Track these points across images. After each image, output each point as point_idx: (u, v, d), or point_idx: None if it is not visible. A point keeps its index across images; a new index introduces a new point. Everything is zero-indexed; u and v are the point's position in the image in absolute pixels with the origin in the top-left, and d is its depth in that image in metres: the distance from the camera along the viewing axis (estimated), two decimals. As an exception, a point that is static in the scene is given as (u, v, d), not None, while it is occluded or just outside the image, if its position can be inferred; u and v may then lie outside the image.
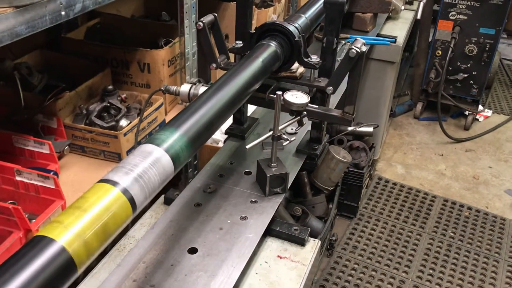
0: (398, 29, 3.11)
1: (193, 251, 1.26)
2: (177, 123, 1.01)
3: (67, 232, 0.72)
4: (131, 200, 0.83)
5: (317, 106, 1.51)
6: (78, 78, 1.77)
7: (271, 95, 1.46)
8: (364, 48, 1.40)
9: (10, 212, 1.22)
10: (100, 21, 2.08)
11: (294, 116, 1.50)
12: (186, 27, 1.78)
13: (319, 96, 1.58)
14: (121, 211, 0.81)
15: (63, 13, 1.20)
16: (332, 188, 2.76)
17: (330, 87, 1.48)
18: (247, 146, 1.41)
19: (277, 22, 1.48)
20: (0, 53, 1.74)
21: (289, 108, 1.47)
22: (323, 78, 1.54)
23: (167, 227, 1.33)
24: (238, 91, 1.23)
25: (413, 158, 3.74)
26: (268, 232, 1.44)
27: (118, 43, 1.98)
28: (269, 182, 1.45)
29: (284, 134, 1.43)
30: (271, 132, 1.43)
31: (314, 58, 1.49)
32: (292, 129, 1.77)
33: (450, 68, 3.92)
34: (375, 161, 3.55)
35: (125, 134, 1.61)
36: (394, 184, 3.42)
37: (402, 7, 3.23)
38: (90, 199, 0.79)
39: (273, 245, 1.42)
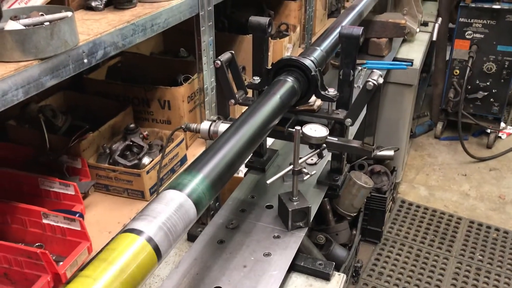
0: (414, 52, 3.12)
1: (218, 290, 1.26)
2: (198, 166, 1.03)
3: (94, 286, 0.73)
4: (156, 249, 0.84)
5: (336, 138, 1.51)
6: (101, 118, 1.81)
7: (290, 129, 1.46)
8: (381, 80, 1.41)
9: (38, 257, 1.24)
10: (121, 60, 2.14)
11: (313, 149, 1.50)
12: (204, 63, 1.82)
13: (338, 128, 1.58)
14: (147, 260, 0.82)
15: (85, 60, 1.24)
16: (355, 214, 2.75)
17: (349, 119, 1.49)
18: (268, 181, 1.42)
19: (293, 57, 1.50)
20: (26, 97, 1.79)
21: (308, 141, 1.48)
22: (341, 110, 1.55)
23: (191, 266, 1.34)
24: (258, 129, 1.24)
25: (435, 179, 3.69)
26: (292, 268, 1.44)
27: (139, 80, 2.03)
28: (291, 217, 1.45)
29: (304, 168, 1.44)
30: (291, 166, 1.43)
31: (331, 91, 1.50)
32: (312, 160, 1.77)
33: (469, 87, 3.89)
34: (397, 184, 3.52)
35: (147, 172, 1.63)
36: (418, 206, 3.38)
37: (417, 30, 3.23)
38: (115, 250, 0.80)
39: (297, 281, 1.41)
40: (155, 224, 0.86)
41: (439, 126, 4.17)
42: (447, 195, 3.51)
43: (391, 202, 3.26)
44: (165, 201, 0.92)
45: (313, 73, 1.47)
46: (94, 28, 1.33)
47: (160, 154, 1.63)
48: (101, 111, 1.87)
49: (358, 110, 1.47)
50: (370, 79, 1.39)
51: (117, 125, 1.80)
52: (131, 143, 1.70)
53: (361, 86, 1.44)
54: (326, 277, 1.41)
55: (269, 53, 2.50)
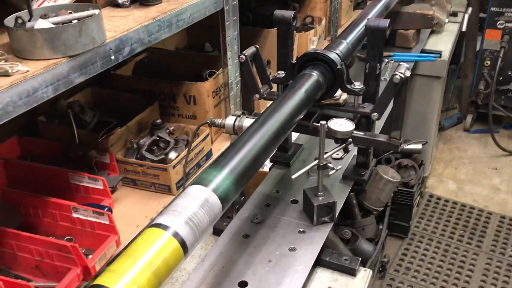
0: (442, 43, 3.04)
1: (243, 284, 1.27)
2: (224, 161, 1.03)
3: (121, 280, 0.75)
4: (183, 244, 0.85)
5: (362, 133, 1.49)
6: (128, 113, 1.84)
7: (315, 124, 1.45)
8: (408, 73, 1.38)
9: (68, 250, 1.27)
10: (147, 56, 2.16)
11: (339, 144, 1.49)
12: (229, 58, 1.82)
13: (364, 122, 1.56)
14: (173, 255, 0.83)
15: (113, 57, 1.26)
16: (381, 208, 2.72)
17: (375, 113, 1.47)
18: (293, 176, 1.41)
19: (318, 51, 1.49)
20: (55, 93, 1.83)
21: (334, 136, 1.47)
22: (367, 104, 1.53)
23: (217, 260, 1.35)
24: (283, 123, 1.23)
25: (465, 173, 3.62)
26: (318, 263, 1.43)
27: (164, 75, 2.05)
28: (316, 212, 1.44)
29: (330, 163, 1.43)
30: (316, 161, 1.43)
31: (357, 85, 1.48)
32: (337, 154, 1.75)
33: (501, 78, 3.78)
34: (425, 178, 3.46)
35: (174, 167, 1.65)
36: (446, 201, 3.32)
37: (446, 20, 3.16)
38: (142, 245, 0.82)
39: (323, 276, 1.41)
40: (181, 219, 0.87)
41: (469, 118, 4.08)
42: (476, 189, 3.44)
43: (418, 197, 3.21)
44: (190, 196, 0.93)
45: (338, 66, 1.46)
46: (120, 25, 1.34)
47: (186, 149, 1.64)
48: (128, 107, 1.89)
49: (384, 104, 1.45)
50: (397, 72, 1.37)
51: (144, 121, 1.83)
52: (157, 138, 1.72)
53: (388, 79, 1.42)
54: (352, 273, 1.40)
55: (294, 47, 2.48)
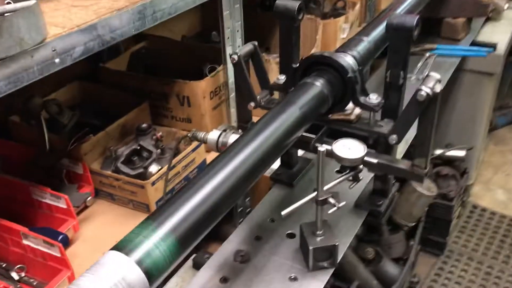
0: (499, 33, 2.61)
1: None
2: (163, 214, 0.77)
3: None
4: None
5: (376, 160, 1.18)
6: (115, 113, 1.61)
7: (316, 144, 1.16)
8: (438, 88, 1.06)
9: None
10: (145, 45, 1.91)
11: (346, 172, 1.19)
12: (229, 54, 1.54)
13: (383, 142, 1.24)
14: None
15: (57, 60, 1.02)
16: (413, 224, 2.39)
17: (394, 136, 1.15)
18: (283, 213, 1.13)
19: (325, 54, 1.18)
20: (33, 86, 1.62)
21: (339, 163, 1.17)
22: (387, 121, 1.22)
23: (184, 311, 1.10)
24: (264, 153, 0.95)
25: (517, 181, 3.19)
26: (313, 317, 1.16)
27: (163, 69, 1.80)
28: (312, 256, 1.16)
29: (331, 197, 1.13)
30: (314, 194, 1.14)
31: (374, 98, 1.17)
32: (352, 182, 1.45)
33: None
34: (470, 185, 3.06)
35: (153, 183, 1.41)
36: (493, 213, 2.92)
37: (505, 6, 2.71)
38: None
39: (317, 336, 1.14)
40: (76, 311, 0.62)
41: (527, 117, 3.61)
42: (530, 201, 3.02)
43: (459, 208, 2.84)
44: (100, 272, 0.68)
45: (349, 74, 1.15)
46: (75, 19, 1.09)
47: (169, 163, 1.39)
48: (116, 106, 1.66)
49: (406, 125, 1.13)
50: (422, 88, 1.05)
51: (129, 123, 1.59)
52: (138, 147, 1.48)
53: (420, 81, 1.10)
54: (353, 336, 1.12)
55: (318, 37, 2.16)
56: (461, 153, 2.58)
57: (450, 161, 2.61)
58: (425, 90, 1.04)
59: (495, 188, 3.14)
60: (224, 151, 0.94)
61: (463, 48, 2.26)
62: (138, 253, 0.70)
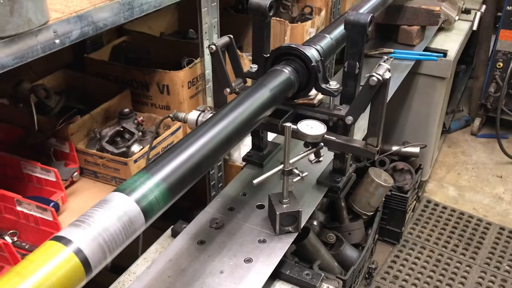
0: (450, 42, 2.87)
1: (188, 297, 1.17)
2: (156, 166, 0.92)
3: (-3, 305, 0.64)
4: (85, 262, 0.74)
5: (334, 137, 1.36)
6: (99, 100, 1.73)
7: (284, 124, 1.33)
8: (387, 75, 1.25)
9: (1, 248, 1.17)
10: (126, 40, 2.04)
11: (309, 148, 1.37)
12: (206, 47, 1.70)
13: (341, 125, 1.43)
14: (72, 275, 0.72)
15: (57, 41, 1.15)
16: (371, 213, 2.59)
17: (350, 117, 1.34)
18: (255, 182, 1.29)
19: (293, 45, 1.36)
20: (22, 73, 1.74)
21: (303, 139, 1.34)
22: (344, 106, 1.40)
23: (165, 268, 1.24)
24: (239, 124, 1.12)
25: (467, 179, 3.46)
26: (278, 276, 1.32)
27: (143, 62, 1.93)
28: (279, 220, 1.33)
29: (296, 168, 1.30)
30: (281, 166, 1.31)
31: (333, 85, 1.35)
32: (315, 157, 1.63)
33: (513, 82, 3.60)
34: (425, 182, 3.31)
35: (135, 161, 1.54)
36: (444, 208, 3.17)
37: (456, 17, 2.98)
38: (36, 260, 0.71)
39: (281, 290, 1.30)
40: (88, 233, 0.76)
41: (477, 122, 3.90)
42: (478, 197, 3.28)
43: (414, 202, 3.07)
44: (107, 206, 0.82)
45: (313, 63, 1.33)
46: (72, 6, 1.22)
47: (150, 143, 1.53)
48: (100, 93, 1.79)
49: (360, 107, 1.32)
50: (374, 73, 1.23)
51: (112, 109, 1.72)
52: (122, 129, 1.61)
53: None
54: (313, 289, 1.29)
55: (286, 38, 2.35)
56: (415, 149, 2.81)
57: (406, 157, 2.83)
58: (377, 76, 1.23)
59: (447, 185, 3.39)
60: (205, 121, 1.09)
61: (417, 53, 2.49)
62: (137, 194, 0.85)
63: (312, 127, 1.33)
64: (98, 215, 0.80)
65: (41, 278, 0.69)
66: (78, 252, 0.74)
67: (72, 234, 0.75)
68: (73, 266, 0.73)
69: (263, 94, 1.21)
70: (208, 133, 1.04)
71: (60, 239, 0.75)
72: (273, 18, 2.31)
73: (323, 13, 2.66)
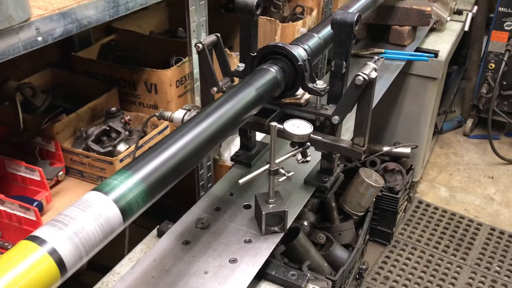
0: (442, 42, 2.88)
1: (171, 298, 1.15)
2: (137, 165, 0.90)
3: (-35, 306, 0.63)
4: (60, 263, 0.73)
5: (320, 137, 1.36)
6: (86, 98, 1.72)
7: (271, 124, 1.32)
8: (373, 75, 1.24)
9: (-19, 247, 1.16)
10: (115, 38, 2.03)
11: (295, 148, 1.36)
12: (194, 46, 1.68)
13: (328, 124, 1.42)
14: (45, 276, 0.71)
15: (39, 38, 1.13)
16: (362, 213, 2.58)
17: (336, 117, 1.33)
18: (240, 181, 1.28)
19: (279, 44, 1.35)
20: (8, 72, 1.72)
21: (289, 139, 1.34)
22: (331, 105, 1.39)
23: (149, 268, 1.23)
24: (224, 123, 1.10)
25: (459, 180, 3.46)
26: (263, 276, 1.31)
27: (131, 60, 1.92)
28: (265, 220, 1.32)
29: (282, 168, 1.29)
30: (267, 166, 1.30)
31: (320, 84, 1.34)
32: (303, 158, 1.62)
33: (504, 83, 3.60)
34: (416, 183, 3.31)
35: (121, 160, 1.53)
36: (436, 208, 3.17)
37: (448, 18, 2.98)
38: (8, 260, 0.70)
39: (266, 291, 1.29)
40: (63, 233, 0.75)
41: (469, 123, 3.90)
42: (469, 198, 3.28)
43: (406, 202, 3.07)
44: (84, 205, 0.81)
45: (299, 62, 1.32)
46: (55, 3, 1.21)
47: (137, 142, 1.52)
48: (87, 92, 1.77)
49: (347, 107, 1.31)
50: (360, 73, 1.22)
51: (99, 108, 1.70)
52: (108, 128, 1.59)
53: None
54: (298, 290, 1.28)
55: (277, 37, 2.34)
56: (406, 150, 2.81)
57: (397, 158, 2.83)
58: (363, 75, 1.22)
59: (439, 186, 3.40)
60: (190, 120, 1.08)
61: (408, 53, 2.49)
62: (115, 194, 0.84)
63: (298, 127, 1.32)
64: (75, 215, 0.78)
65: (14, 278, 0.68)
66: (53, 253, 0.72)
67: (47, 234, 0.74)
68: (47, 267, 0.71)
69: (249, 93, 1.20)
70: (192, 131, 1.03)
71: (34, 238, 0.73)
72: (263, 17, 2.32)
73: (314, 13, 2.65)
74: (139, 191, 0.87)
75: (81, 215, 0.78)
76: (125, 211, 0.84)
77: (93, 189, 0.85)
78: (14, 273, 0.69)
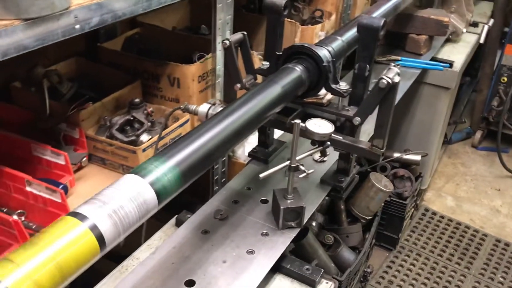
0: (457, 53, 2.90)
1: (190, 284, 1.19)
2: (171, 151, 0.94)
3: (15, 272, 0.67)
4: (100, 238, 0.76)
5: (341, 137, 1.39)
6: (110, 89, 1.76)
7: (292, 121, 1.35)
8: (397, 79, 1.27)
9: (10, 225, 1.20)
10: (139, 32, 2.07)
11: (316, 146, 1.39)
12: (219, 43, 1.72)
13: (348, 125, 1.46)
14: (86, 250, 0.75)
15: (77, 26, 1.17)
16: (370, 217, 2.61)
17: (358, 118, 1.36)
18: (261, 175, 1.32)
19: (305, 44, 1.39)
20: (34, 59, 1.76)
21: (311, 137, 1.37)
22: (352, 107, 1.43)
23: (169, 254, 1.27)
24: (250, 118, 1.14)
25: (466, 190, 3.48)
26: (278, 269, 1.35)
27: (154, 54, 1.96)
28: (282, 215, 1.35)
29: (302, 165, 1.33)
30: (288, 162, 1.33)
31: (343, 86, 1.38)
32: (320, 157, 1.66)
33: (516, 96, 3.63)
34: (423, 191, 3.34)
35: (144, 150, 1.57)
36: (442, 217, 3.19)
37: (464, 30, 3.01)
38: (51, 234, 0.74)
39: (281, 283, 1.32)
40: (103, 211, 0.79)
41: (478, 134, 3.93)
42: (475, 208, 3.31)
43: (413, 209, 3.09)
44: (122, 186, 0.85)
45: (324, 63, 1.36)
46: (93, -7, 1.25)
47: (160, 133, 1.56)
48: (111, 82, 1.81)
49: (368, 109, 1.34)
50: (384, 76, 1.26)
51: (122, 98, 1.75)
52: (132, 118, 1.64)
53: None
54: (312, 284, 1.32)
55: (296, 39, 2.38)
56: (417, 157, 2.84)
57: (406, 165, 2.86)
58: (386, 79, 1.26)
59: (445, 195, 3.42)
60: (218, 113, 1.12)
61: (424, 62, 2.53)
62: (151, 177, 0.87)
63: (320, 126, 1.35)
64: (114, 195, 0.82)
65: (57, 251, 0.72)
66: (94, 228, 0.76)
67: (88, 210, 0.78)
68: (88, 241, 0.75)
69: (275, 90, 1.24)
70: (220, 124, 1.06)
71: (76, 214, 0.77)
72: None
73: (333, 17, 2.69)
74: (173, 175, 0.91)
75: (119, 195, 0.82)
76: (160, 194, 0.87)
77: (129, 172, 0.88)
78: (56, 247, 0.72)
